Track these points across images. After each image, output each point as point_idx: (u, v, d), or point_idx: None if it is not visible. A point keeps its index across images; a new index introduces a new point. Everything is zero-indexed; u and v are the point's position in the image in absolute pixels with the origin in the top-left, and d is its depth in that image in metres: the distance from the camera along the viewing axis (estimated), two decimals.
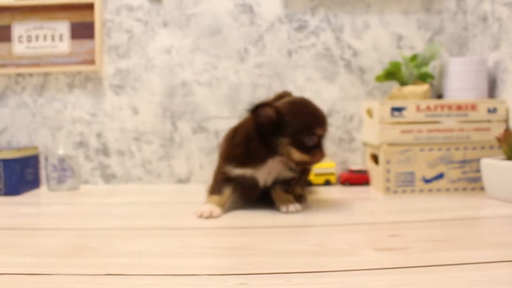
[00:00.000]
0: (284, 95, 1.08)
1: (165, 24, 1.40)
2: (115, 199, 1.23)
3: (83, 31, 1.39)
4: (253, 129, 0.98)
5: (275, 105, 0.96)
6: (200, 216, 0.97)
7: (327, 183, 1.36)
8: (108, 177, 1.42)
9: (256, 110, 0.95)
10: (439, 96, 1.33)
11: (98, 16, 1.38)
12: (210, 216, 0.98)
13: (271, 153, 0.99)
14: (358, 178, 1.35)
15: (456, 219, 0.96)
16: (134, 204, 1.16)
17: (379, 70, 1.40)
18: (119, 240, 0.84)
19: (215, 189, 1.03)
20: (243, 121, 1.04)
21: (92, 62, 1.39)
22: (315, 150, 0.98)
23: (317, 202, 1.14)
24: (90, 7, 1.38)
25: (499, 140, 1.15)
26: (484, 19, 1.36)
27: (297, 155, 0.96)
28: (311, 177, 1.35)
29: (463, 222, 0.93)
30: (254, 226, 0.93)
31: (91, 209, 1.11)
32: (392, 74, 1.32)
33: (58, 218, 1.02)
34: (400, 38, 1.42)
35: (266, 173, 1.02)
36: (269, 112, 0.95)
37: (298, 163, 0.99)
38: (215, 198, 1.02)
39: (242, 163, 1.01)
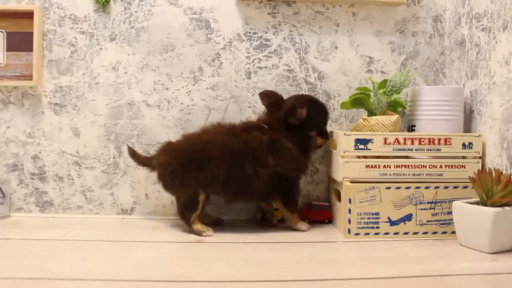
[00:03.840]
0: (277, 98, 1.16)
1: (112, 38, 1.27)
2: (47, 232, 1.09)
3: (20, 42, 1.25)
4: (296, 135, 1.12)
5: (304, 105, 1.11)
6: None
7: (285, 219, 1.22)
8: (44, 205, 1.28)
9: (290, 112, 1.11)
10: (411, 127, 1.20)
11: (37, 26, 1.24)
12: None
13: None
14: (319, 215, 1.21)
15: (421, 275, 0.83)
16: (68, 242, 1.02)
17: (347, 95, 1.28)
18: None
19: (297, 204, 1.16)
20: (273, 132, 1.11)
21: (29, 77, 1.25)
22: (326, 133, 1.19)
23: (260, 244, 1.01)
24: (29, 15, 1.24)
25: (472, 180, 1.03)
26: (461, 43, 1.24)
27: (320, 141, 1.18)
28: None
29: (429, 281, 0.80)
30: None
31: (14, 247, 0.97)
32: (359, 101, 1.19)
33: None
34: (371, 61, 1.30)
35: None
36: (302, 113, 1.11)
37: (318, 147, 1.20)
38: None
39: (306, 171, 1.18)
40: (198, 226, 1.08)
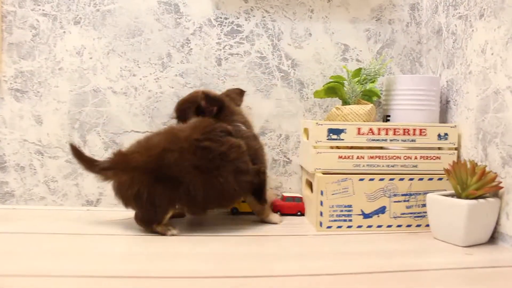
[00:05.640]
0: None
1: (76, 21, 1.20)
2: (7, 225, 1.04)
3: None
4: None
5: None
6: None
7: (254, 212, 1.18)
8: (5, 196, 1.21)
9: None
10: (386, 117, 1.17)
11: None
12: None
13: None
14: (290, 207, 1.18)
15: (394, 270, 0.80)
16: (29, 235, 0.97)
17: (321, 84, 1.24)
18: None
19: (266, 195, 1.10)
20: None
21: None
22: None
23: (228, 237, 0.97)
24: None
25: (447, 172, 1.00)
26: (438, 32, 1.21)
27: None
28: (237, 205, 1.18)
29: (401, 276, 0.77)
30: None
31: None
32: (332, 89, 1.15)
33: None
34: (346, 49, 1.26)
35: None
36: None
37: None
38: None
39: None
40: (160, 229, 0.97)
